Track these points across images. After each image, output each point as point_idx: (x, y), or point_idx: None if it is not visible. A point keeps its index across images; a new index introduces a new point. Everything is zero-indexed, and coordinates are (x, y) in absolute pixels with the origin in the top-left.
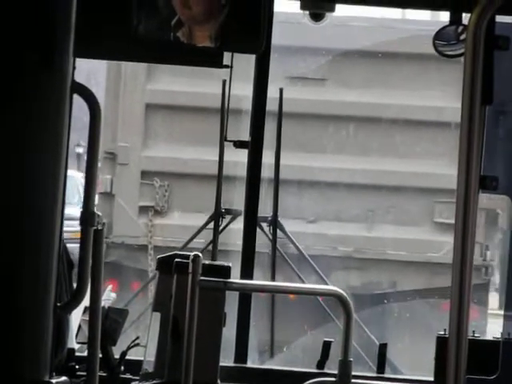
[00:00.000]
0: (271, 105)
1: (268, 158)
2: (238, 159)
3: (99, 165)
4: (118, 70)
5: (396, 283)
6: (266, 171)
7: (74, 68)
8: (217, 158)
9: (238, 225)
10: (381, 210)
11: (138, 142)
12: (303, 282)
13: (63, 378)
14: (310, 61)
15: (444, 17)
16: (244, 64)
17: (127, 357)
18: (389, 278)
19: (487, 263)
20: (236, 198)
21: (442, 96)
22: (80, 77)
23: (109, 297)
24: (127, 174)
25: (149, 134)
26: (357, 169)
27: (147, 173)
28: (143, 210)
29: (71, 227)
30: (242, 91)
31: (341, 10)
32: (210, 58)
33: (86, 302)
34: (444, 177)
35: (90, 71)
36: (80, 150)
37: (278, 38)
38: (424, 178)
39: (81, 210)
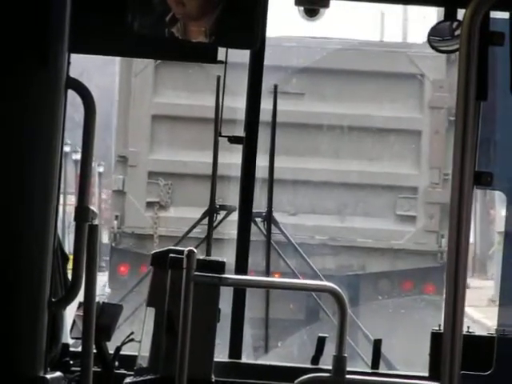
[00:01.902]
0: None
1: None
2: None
3: (113, 167)
4: (127, 86)
5: (365, 266)
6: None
7: (68, 63)
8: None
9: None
10: (351, 204)
11: (146, 147)
12: (297, 276)
13: (58, 374)
14: (289, 78)
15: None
16: (238, 77)
17: (122, 352)
18: (359, 261)
19: (442, 249)
20: (231, 195)
21: (403, 107)
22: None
23: (103, 292)
24: (136, 175)
25: (155, 140)
26: (331, 169)
27: (153, 173)
28: (150, 204)
29: None
30: (236, 103)
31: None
32: (205, 54)
33: (80, 297)
34: (405, 176)
35: (83, 68)
36: (67, 148)
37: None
38: (388, 177)
39: (75, 205)
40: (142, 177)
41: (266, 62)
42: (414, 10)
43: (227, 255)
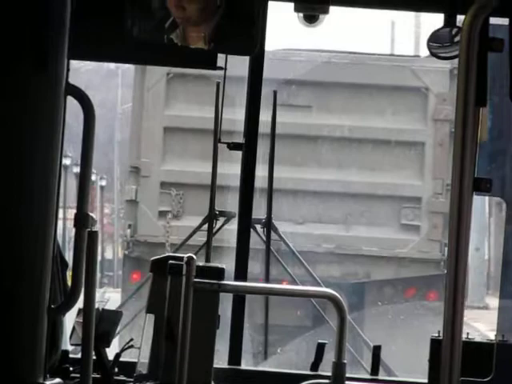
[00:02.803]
0: (262, 128)
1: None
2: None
3: (126, 177)
4: (141, 100)
5: (370, 274)
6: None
7: (68, 70)
8: (222, 171)
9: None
10: (357, 213)
11: (158, 158)
12: (296, 283)
13: (57, 380)
14: (296, 91)
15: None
16: (236, 89)
17: (121, 358)
18: (364, 269)
19: (445, 258)
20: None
21: (407, 119)
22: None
23: (103, 299)
24: (149, 185)
25: (167, 151)
26: (338, 180)
27: (165, 183)
28: (162, 214)
29: None
30: (236, 115)
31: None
32: (204, 60)
33: (79, 303)
34: (408, 186)
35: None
36: (67, 161)
37: (270, 72)
38: (392, 188)
39: (75, 211)
40: (155, 187)
41: (273, 75)
42: (426, 20)
43: (226, 265)
